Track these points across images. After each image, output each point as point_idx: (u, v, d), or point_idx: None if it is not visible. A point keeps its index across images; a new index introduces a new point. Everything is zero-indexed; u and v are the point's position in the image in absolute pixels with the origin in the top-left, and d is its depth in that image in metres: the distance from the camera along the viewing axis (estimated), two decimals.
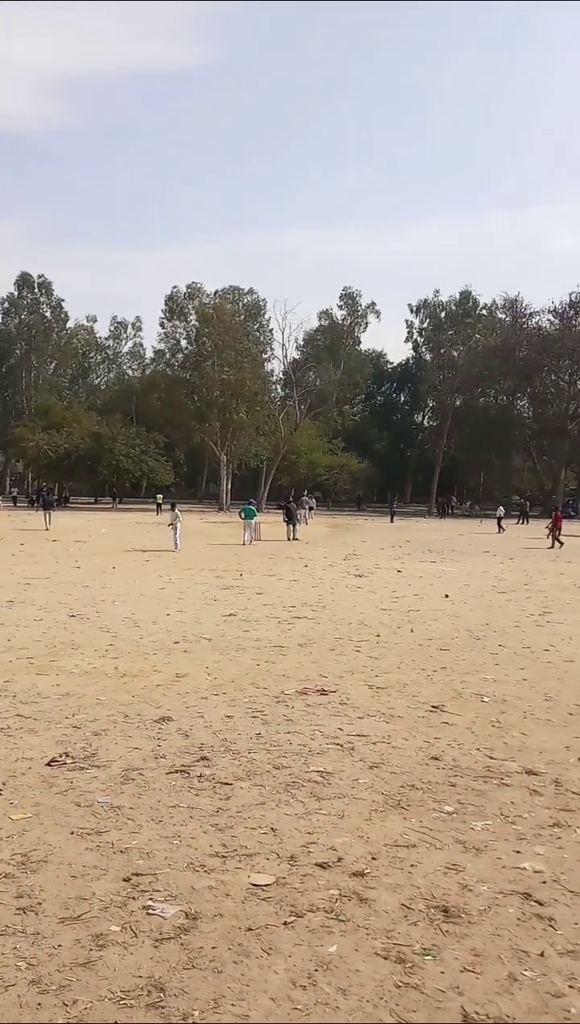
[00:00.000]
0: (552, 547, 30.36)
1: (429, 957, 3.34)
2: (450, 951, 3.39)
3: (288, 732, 6.48)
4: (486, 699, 7.66)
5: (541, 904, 3.78)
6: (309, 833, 4.56)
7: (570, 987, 3.13)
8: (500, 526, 42.97)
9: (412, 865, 4.18)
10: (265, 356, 72.62)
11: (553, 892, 3.90)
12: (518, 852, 4.33)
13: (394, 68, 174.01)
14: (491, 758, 5.93)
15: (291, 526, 32.71)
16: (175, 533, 26.42)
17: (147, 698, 7.48)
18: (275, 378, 75.01)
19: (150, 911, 3.69)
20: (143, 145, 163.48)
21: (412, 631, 11.32)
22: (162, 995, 3.06)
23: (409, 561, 23.40)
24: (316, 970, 3.25)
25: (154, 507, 55.74)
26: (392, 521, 48.67)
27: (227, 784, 5.30)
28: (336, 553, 25.97)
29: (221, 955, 3.34)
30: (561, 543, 30.82)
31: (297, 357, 75.17)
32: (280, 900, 3.80)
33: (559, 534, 31.36)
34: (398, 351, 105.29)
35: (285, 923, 3.60)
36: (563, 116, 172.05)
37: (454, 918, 3.65)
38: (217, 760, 5.78)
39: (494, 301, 75.88)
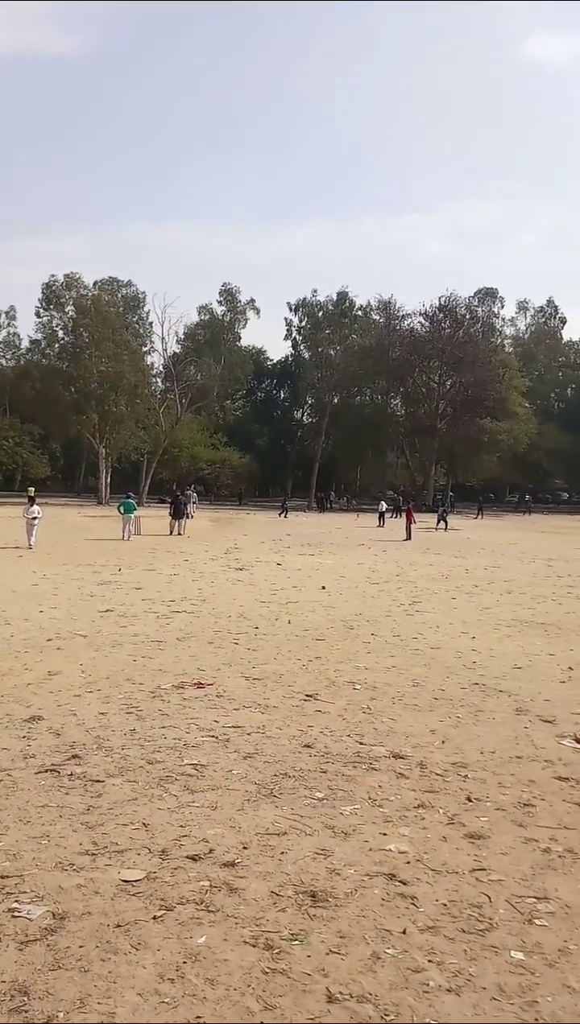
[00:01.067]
0: (407, 539, 31.78)
1: (297, 942, 3.40)
2: (317, 935, 3.45)
3: (163, 727, 6.43)
4: (358, 687, 7.84)
5: (405, 884, 3.90)
6: (181, 826, 4.54)
7: (429, 961, 3.25)
8: (382, 520, 44.12)
9: (282, 852, 4.23)
10: (145, 349, 71.54)
11: (416, 871, 4.03)
12: (384, 834, 4.46)
13: (273, 70, 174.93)
14: (361, 743, 6.08)
15: (178, 521, 32.42)
16: (31, 529, 23.99)
17: (17, 697, 7.26)
18: (155, 371, 74.07)
19: (16, 913, 3.58)
20: (19, 132, 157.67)
21: (289, 623, 11.44)
22: (26, 999, 2.99)
23: (289, 555, 23.64)
24: (184, 962, 3.24)
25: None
26: (285, 516, 49.18)
27: (99, 781, 5.21)
28: (217, 547, 25.93)
29: (88, 954, 3.29)
30: (409, 535, 32.72)
31: (177, 351, 74.63)
32: (150, 895, 3.78)
33: (411, 526, 33.45)
34: (278, 348, 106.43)
35: (154, 917, 3.58)
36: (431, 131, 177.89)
37: (321, 902, 3.72)
38: (89, 758, 5.67)
39: (369, 303, 78.06)
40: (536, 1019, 2.89)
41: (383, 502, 48.66)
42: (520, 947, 3.36)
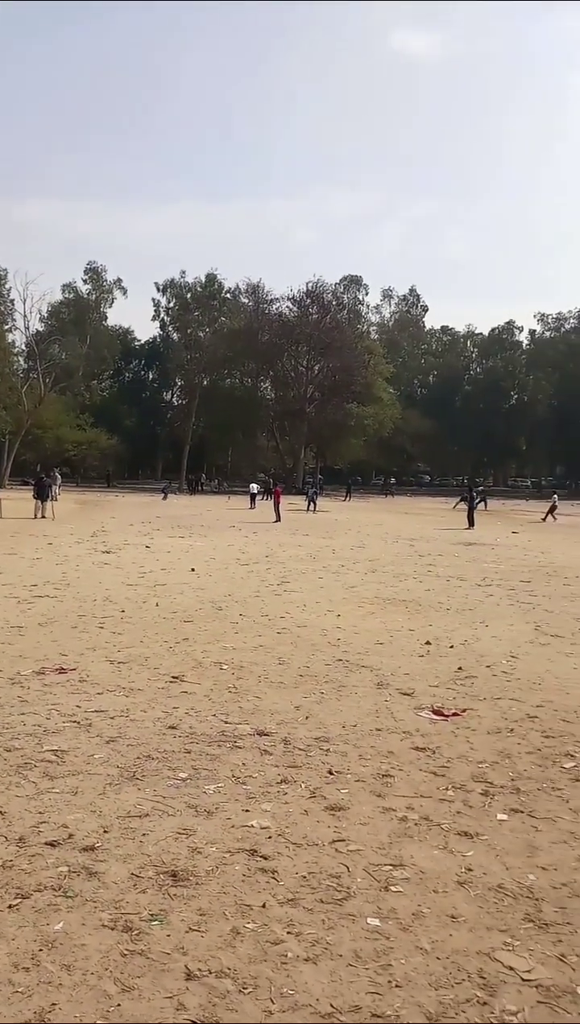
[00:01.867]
0: (277, 521, 32.23)
1: (156, 922, 3.36)
2: (177, 914, 3.43)
3: (22, 713, 6.22)
4: (224, 667, 7.83)
5: (266, 858, 3.93)
6: (40, 813, 4.41)
7: (288, 933, 3.29)
8: (253, 502, 44.33)
9: (144, 834, 4.18)
10: (6, 327, 68.68)
11: (277, 846, 4.07)
12: (247, 811, 4.48)
13: (134, 45, 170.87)
14: (226, 723, 6.08)
15: (43, 503, 31.37)
16: None
17: None
18: (17, 350, 71.30)
19: None
20: None
21: (157, 605, 11.31)
22: None
23: (158, 537, 23.34)
24: (40, 950, 3.15)
25: None
26: (166, 498, 48.61)
27: None
28: (83, 530, 25.29)
29: None
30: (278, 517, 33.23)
31: (40, 329, 72.15)
32: (6, 883, 3.65)
33: (280, 508, 34.11)
34: (147, 329, 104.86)
35: (10, 906, 3.46)
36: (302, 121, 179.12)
37: (182, 881, 3.69)
38: None
39: (237, 286, 77.91)
40: (390, 981, 2.97)
41: (254, 484, 48.86)
42: (376, 914, 3.45)
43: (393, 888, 3.66)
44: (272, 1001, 2.85)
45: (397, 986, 2.94)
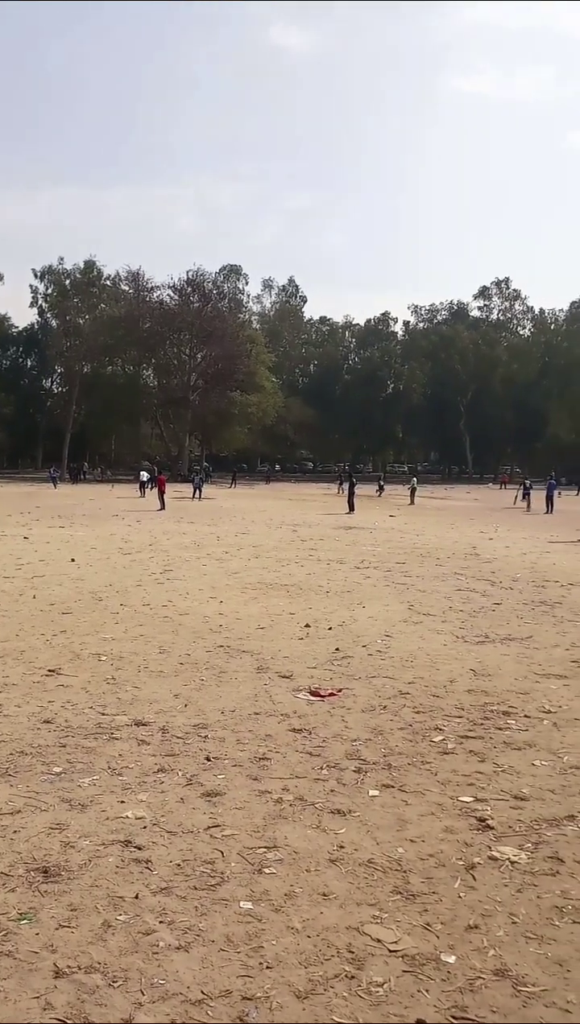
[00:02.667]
0: (161, 509, 31.95)
1: (25, 921, 3.27)
2: (47, 911, 3.34)
3: None
4: (103, 658, 7.69)
5: (140, 848, 3.89)
6: None
7: (160, 922, 3.26)
8: (142, 490, 43.81)
9: (15, 831, 4.06)
10: None
11: (152, 835, 4.03)
12: (122, 802, 4.41)
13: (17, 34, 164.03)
14: (103, 714, 5.97)
15: None
16: None
17: None
18: None
19: None
20: None
21: (34, 597, 10.98)
22: None
23: (37, 527, 22.67)
24: None
25: None
26: (56, 487, 47.28)
27: None
28: None
29: None
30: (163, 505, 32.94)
31: None
32: None
33: (164, 496, 33.78)
34: (24, 316, 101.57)
35: None
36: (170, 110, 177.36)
37: (54, 877, 3.60)
38: None
39: (117, 273, 76.64)
40: (261, 963, 2.99)
41: (143, 472, 48.21)
42: (249, 897, 3.46)
43: (266, 870, 3.69)
44: (142, 993, 2.82)
45: (268, 967, 2.97)
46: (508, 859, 3.82)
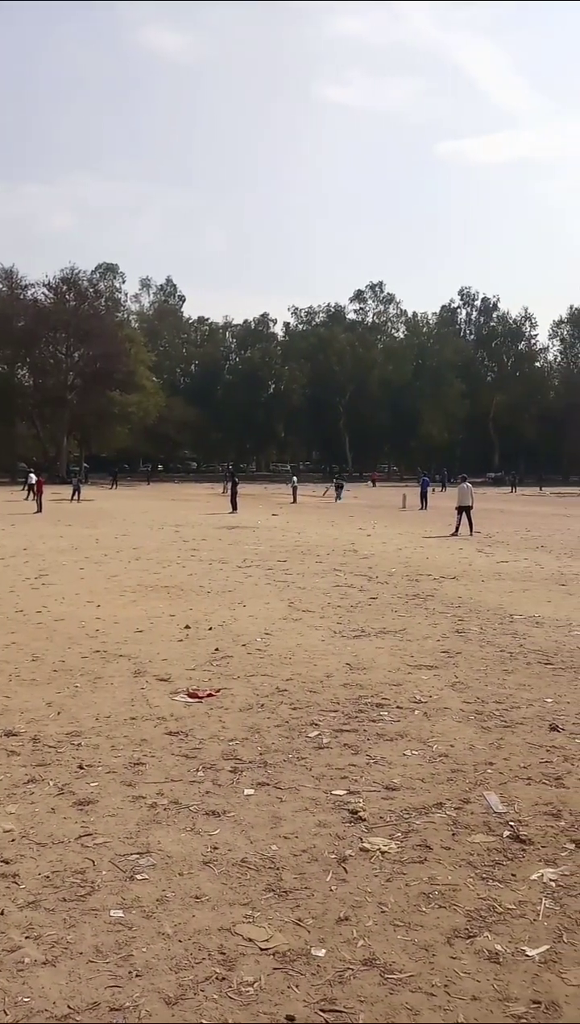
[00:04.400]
0: (38, 512, 31.20)
1: None
2: None
3: None
4: None
5: (7, 863, 3.75)
6: None
7: (27, 938, 3.15)
8: (30, 492, 42.32)
9: None
10: None
11: (20, 848, 3.90)
12: None
13: None
14: None
15: None
16: None
17: None
18: None
19: None
20: None
21: None
22: None
23: None
24: None
25: None
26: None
27: None
28: None
29: None
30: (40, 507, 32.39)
31: None
32: None
33: (41, 498, 33.26)
34: None
35: None
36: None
37: None
38: None
39: None
40: (130, 971, 2.94)
41: (31, 474, 46.59)
42: (120, 905, 3.39)
43: (138, 876, 3.63)
44: (5, 1013, 2.72)
45: (137, 975, 2.91)
46: (379, 849, 3.89)
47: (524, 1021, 2.71)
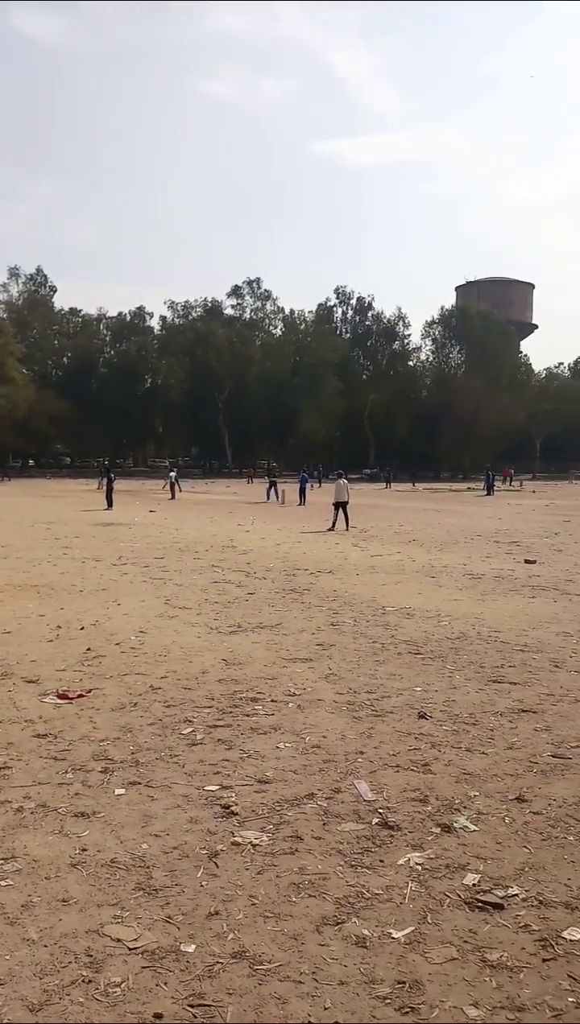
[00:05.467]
0: None
1: None
2: None
3: None
4: None
5: None
6: None
7: None
8: None
9: None
10: None
11: None
12: None
13: None
14: None
15: None
16: None
17: None
18: None
19: None
20: None
21: None
22: None
23: None
24: None
25: None
26: None
27: None
28: None
29: None
30: None
31: None
32: None
33: None
34: None
35: None
36: None
37: None
38: None
39: None
40: None
41: None
42: None
43: (2, 883, 3.50)
44: None
45: (0, 984, 2.82)
46: (250, 843, 3.91)
47: (389, 1001, 2.78)
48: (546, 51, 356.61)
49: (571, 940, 3.16)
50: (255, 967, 2.94)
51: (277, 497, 39.81)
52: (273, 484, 41.17)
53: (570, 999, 2.81)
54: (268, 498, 40.39)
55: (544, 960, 3.03)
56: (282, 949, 3.06)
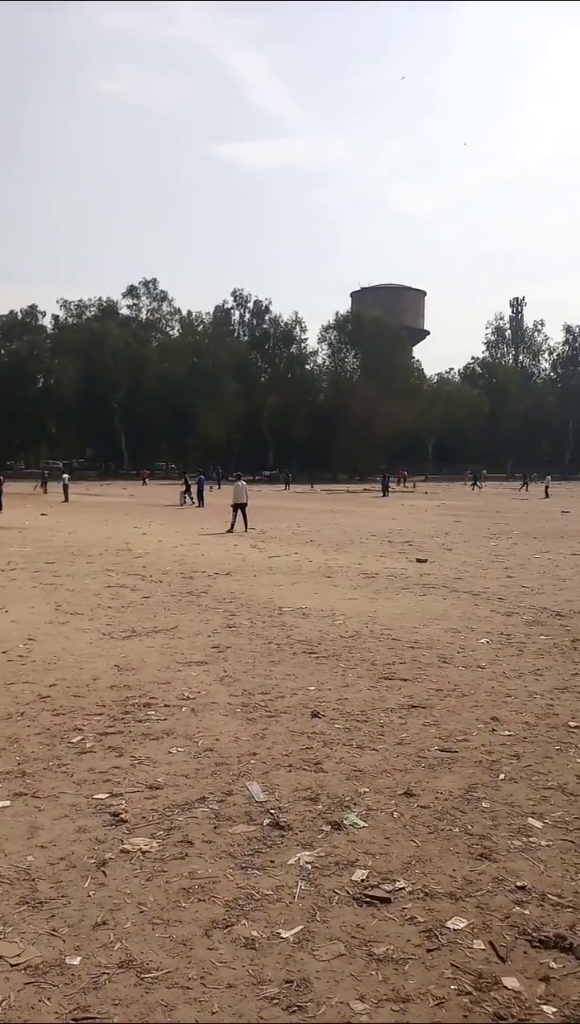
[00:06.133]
0: None
1: None
2: None
3: None
4: None
5: None
6: None
7: None
8: None
9: None
10: None
11: None
12: None
13: None
14: None
15: None
16: None
17: None
18: None
19: None
20: None
21: None
22: None
23: None
24: None
25: None
26: None
27: None
28: None
29: None
30: None
31: None
32: None
33: None
34: None
35: None
36: None
37: None
38: None
39: None
40: None
41: None
42: None
43: None
44: None
45: None
46: (140, 850, 3.85)
47: (276, 1001, 2.79)
48: (428, 62, 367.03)
49: (454, 929, 3.25)
50: (142, 976, 2.90)
51: (191, 500, 39.49)
52: (188, 487, 40.81)
53: (453, 987, 2.89)
54: (183, 502, 40.05)
55: (428, 950, 3.11)
56: (170, 955, 3.03)
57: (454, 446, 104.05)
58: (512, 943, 3.16)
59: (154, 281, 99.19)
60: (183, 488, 41.26)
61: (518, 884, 3.59)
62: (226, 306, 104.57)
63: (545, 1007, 2.79)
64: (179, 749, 5.24)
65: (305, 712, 6.07)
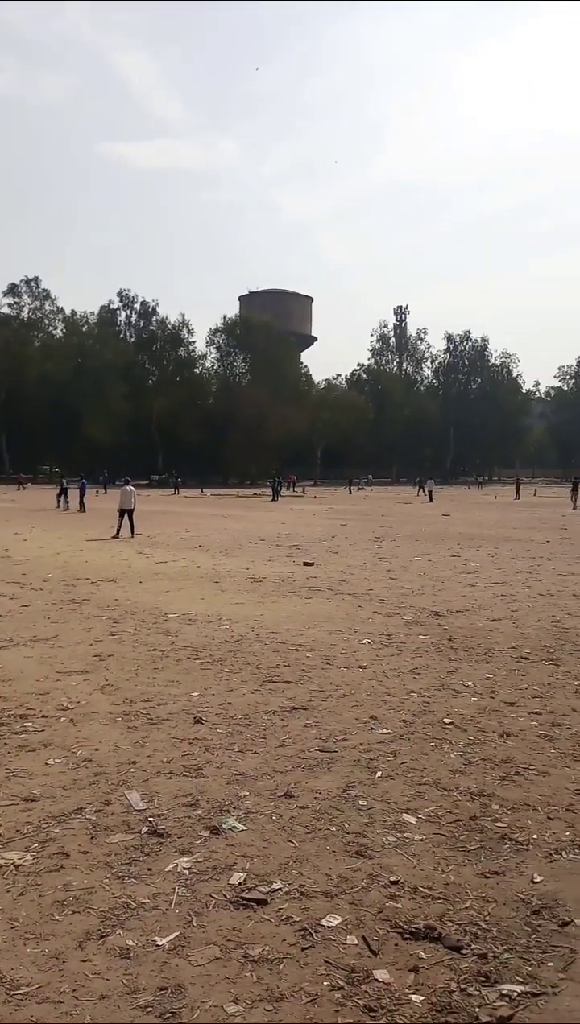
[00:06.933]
0: None
1: None
2: None
3: None
4: None
5: None
6: None
7: None
8: None
9: None
10: None
11: None
12: None
13: None
14: None
15: None
16: None
17: None
18: None
19: None
20: None
21: None
22: None
23: None
24: None
25: None
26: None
27: None
28: None
29: None
30: None
31: None
32: None
33: None
34: None
35: None
36: None
37: None
38: None
39: None
40: None
41: None
42: None
43: None
44: None
45: None
46: (13, 864, 3.77)
47: (150, 1009, 2.78)
48: (310, 73, 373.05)
49: (329, 927, 3.32)
50: (12, 992, 2.84)
51: (67, 504, 38.63)
52: (63, 491, 39.81)
53: (325, 983, 2.95)
54: (58, 504, 39.11)
55: (303, 949, 3.16)
56: (42, 970, 2.98)
57: (342, 451, 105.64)
58: (384, 936, 3.25)
59: (36, 279, 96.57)
60: (58, 491, 40.43)
61: (391, 879, 3.70)
62: (112, 306, 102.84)
63: (414, 996, 2.89)
64: (56, 760, 5.14)
65: (188, 718, 6.06)
